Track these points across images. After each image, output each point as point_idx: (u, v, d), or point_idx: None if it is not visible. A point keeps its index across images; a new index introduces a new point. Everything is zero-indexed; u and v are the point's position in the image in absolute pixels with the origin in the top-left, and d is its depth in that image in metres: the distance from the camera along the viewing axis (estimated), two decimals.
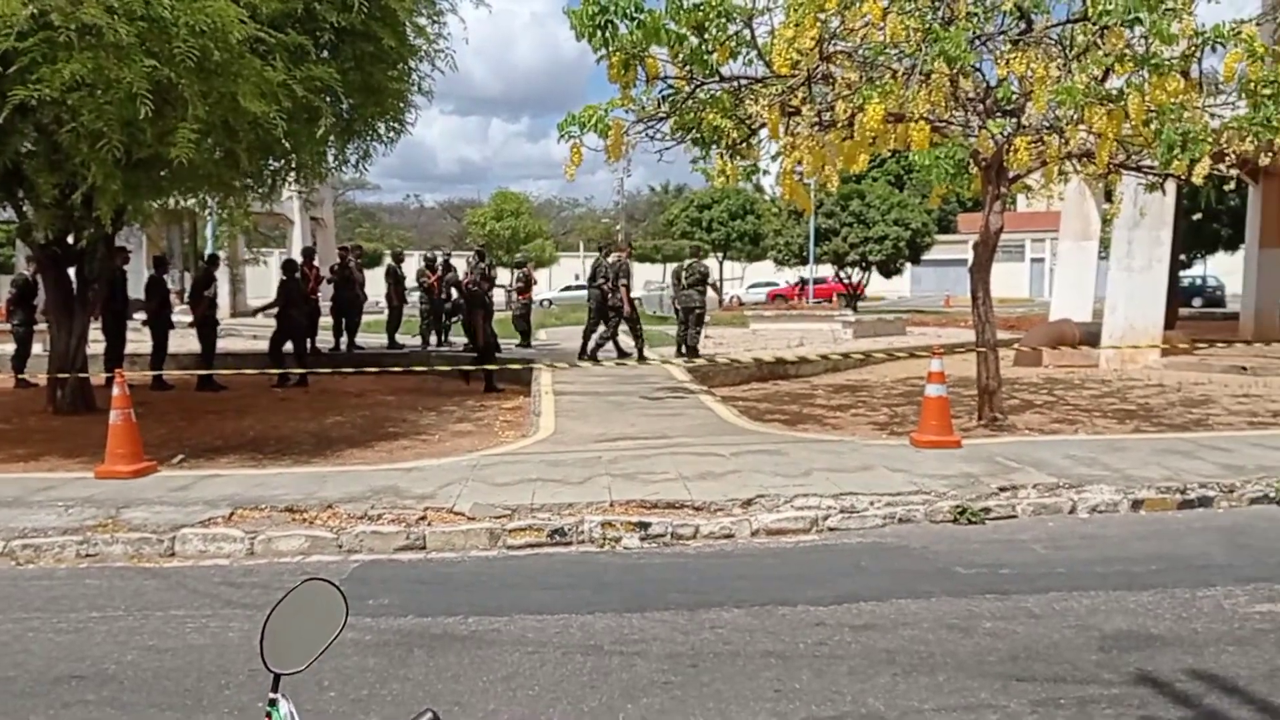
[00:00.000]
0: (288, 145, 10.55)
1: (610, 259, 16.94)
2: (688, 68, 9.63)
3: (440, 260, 19.83)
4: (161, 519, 6.78)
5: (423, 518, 6.77)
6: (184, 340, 15.83)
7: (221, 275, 26.09)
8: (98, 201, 9.40)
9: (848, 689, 4.25)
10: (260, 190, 12.25)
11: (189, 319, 15.27)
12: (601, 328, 16.58)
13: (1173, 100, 8.68)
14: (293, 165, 11.83)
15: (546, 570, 6.13)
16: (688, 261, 18.09)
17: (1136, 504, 7.42)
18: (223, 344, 17.49)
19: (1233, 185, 10.85)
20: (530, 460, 8.55)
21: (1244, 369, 16.28)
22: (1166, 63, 8.54)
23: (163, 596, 5.73)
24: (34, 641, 4.96)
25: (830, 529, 6.96)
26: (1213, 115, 9.48)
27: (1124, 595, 5.44)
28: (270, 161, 11.30)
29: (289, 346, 15.19)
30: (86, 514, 6.90)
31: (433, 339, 19.24)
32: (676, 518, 6.87)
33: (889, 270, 39.76)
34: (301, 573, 6.06)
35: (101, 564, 6.40)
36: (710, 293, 17.43)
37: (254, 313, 16.40)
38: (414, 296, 21.00)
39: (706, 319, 18.33)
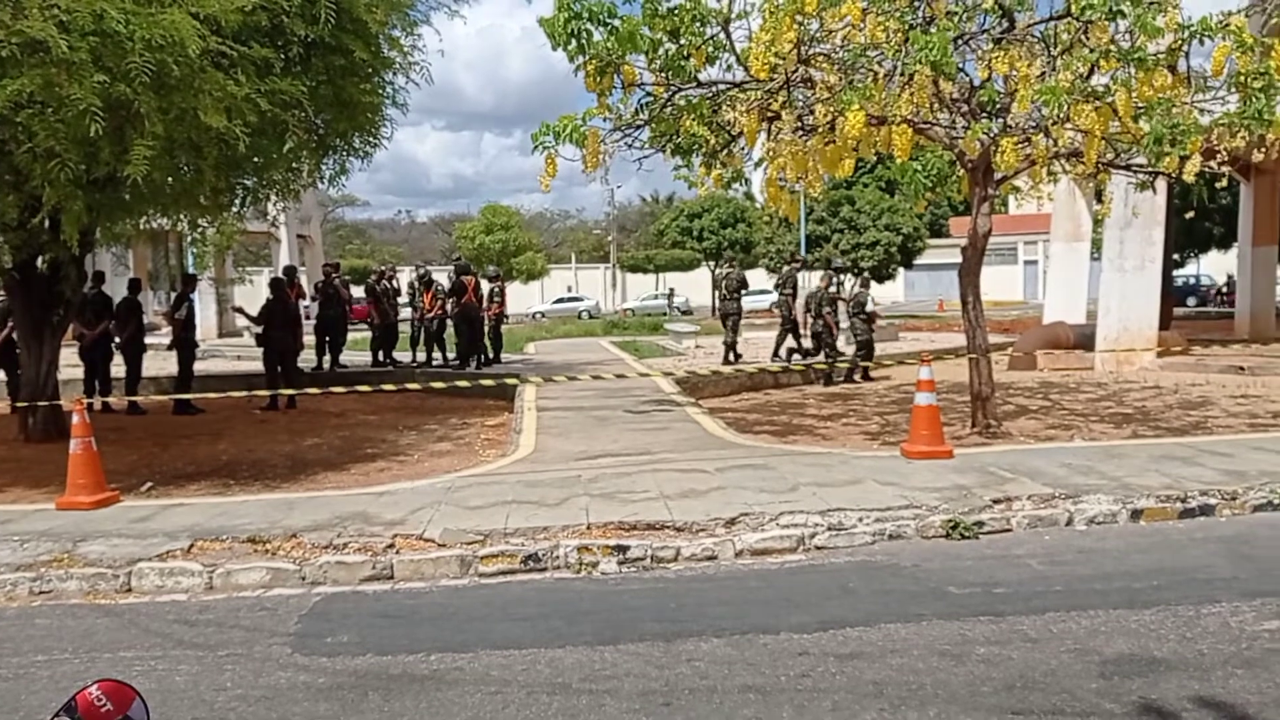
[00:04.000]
0: (256, 161, 10.37)
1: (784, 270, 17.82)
2: (665, 74, 9.40)
3: (421, 276, 19.60)
4: (119, 553, 6.50)
5: (391, 545, 6.48)
6: (165, 363, 15.54)
7: (205, 295, 25.90)
8: (62, 223, 9.16)
9: None
10: (232, 208, 11.99)
11: (168, 341, 14.97)
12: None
13: (1160, 96, 8.45)
14: (264, 182, 11.57)
15: (518, 600, 5.83)
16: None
17: (1136, 514, 7.14)
18: (203, 365, 17.23)
19: (1224, 183, 10.60)
20: (507, 481, 8.26)
21: (1241, 369, 16.04)
22: (1152, 57, 8.31)
23: (113, 636, 5.44)
24: None
25: (818, 548, 6.67)
26: (1202, 111, 9.24)
27: (1125, 614, 5.16)
28: (240, 178, 11.04)
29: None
30: (42, 549, 6.61)
31: (422, 355, 19.01)
32: (657, 540, 6.58)
33: (881, 276, 39.48)
34: (260, 608, 5.79)
35: (55, 601, 6.11)
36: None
37: (245, 315, 16.11)
38: (405, 312, 20.72)
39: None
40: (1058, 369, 17.66)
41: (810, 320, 17.11)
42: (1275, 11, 9.09)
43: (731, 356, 18.12)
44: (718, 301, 19.47)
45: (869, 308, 16.90)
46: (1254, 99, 8.64)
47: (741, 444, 10.01)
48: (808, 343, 17.59)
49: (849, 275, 20.71)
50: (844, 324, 17.32)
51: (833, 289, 17.34)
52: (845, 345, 17.56)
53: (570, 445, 9.98)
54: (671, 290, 58.36)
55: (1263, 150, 9.27)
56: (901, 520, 6.92)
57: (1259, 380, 15.09)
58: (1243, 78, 8.72)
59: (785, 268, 20.04)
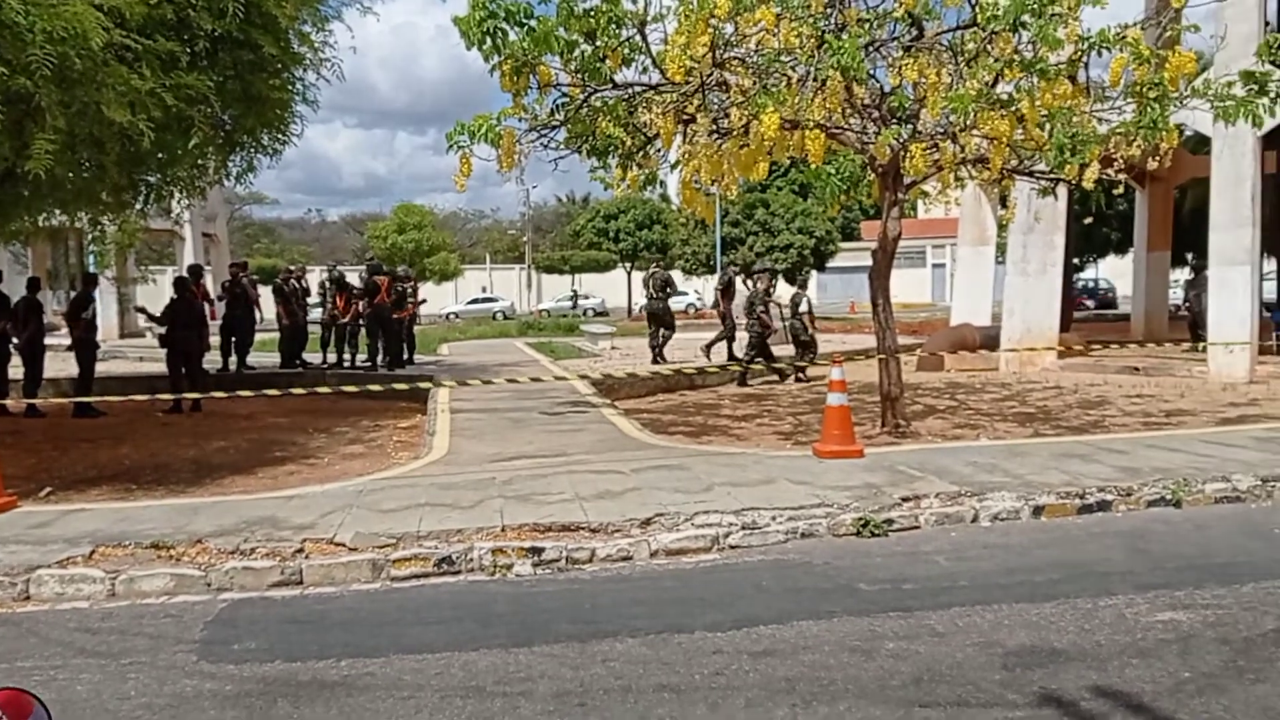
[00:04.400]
0: (160, 157, 10.11)
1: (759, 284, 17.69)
2: (581, 75, 9.40)
3: (332, 276, 19.29)
4: (17, 560, 6.26)
5: (300, 550, 6.36)
6: (64, 364, 15.03)
7: (107, 295, 25.12)
8: None
9: None
10: (135, 205, 11.66)
11: (68, 342, 14.47)
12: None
13: (1062, 105, 8.72)
14: (169, 178, 11.27)
15: (431, 603, 5.77)
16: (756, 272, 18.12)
17: (1037, 510, 7.36)
18: (105, 367, 16.72)
19: (1121, 190, 10.99)
20: (420, 484, 8.17)
21: (1137, 369, 16.63)
22: (1054, 67, 8.57)
23: (11, 646, 5.24)
24: None
25: (732, 547, 6.74)
26: (1100, 120, 9.56)
27: (1027, 608, 5.31)
28: (144, 175, 10.74)
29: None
30: None
31: (333, 357, 18.73)
32: (572, 541, 6.57)
33: (794, 278, 40.03)
34: (164, 615, 5.65)
35: None
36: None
37: (148, 317, 15.63)
38: (316, 312, 20.35)
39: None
40: (964, 370, 18.10)
41: (747, 320, 17.31)
42: (1169, 25, 9.43)
43: (659, 356, 18.41)
44: (645, 301, 19.70)
45: (802, 308, 17.10)
46: (1149, 108, 8.96)
47: (657, 445, 10.05)
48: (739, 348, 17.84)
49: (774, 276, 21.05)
50: (776, 324, 17.50)
51: (769, 289, 17.50)
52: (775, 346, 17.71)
53: (485, 447, 9.91)
54: (575, 292, 58.43)
55: (1157, 158, 9.61)
56: (814, 519, 7.02)
57: (1153, 380, 15.67)
58: (1139, 88, 9.04)
59: (728, 270, 20.40)
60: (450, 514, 7.05)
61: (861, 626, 5.11)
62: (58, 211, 11.49)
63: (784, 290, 19.71)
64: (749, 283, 18.02)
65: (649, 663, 4.69)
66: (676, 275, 52.16)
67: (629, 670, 4.60)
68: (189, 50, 9.09)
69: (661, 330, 18.60)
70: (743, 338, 17.83)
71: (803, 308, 17.09)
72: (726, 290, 18.71)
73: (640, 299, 56.11)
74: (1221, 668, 4.45)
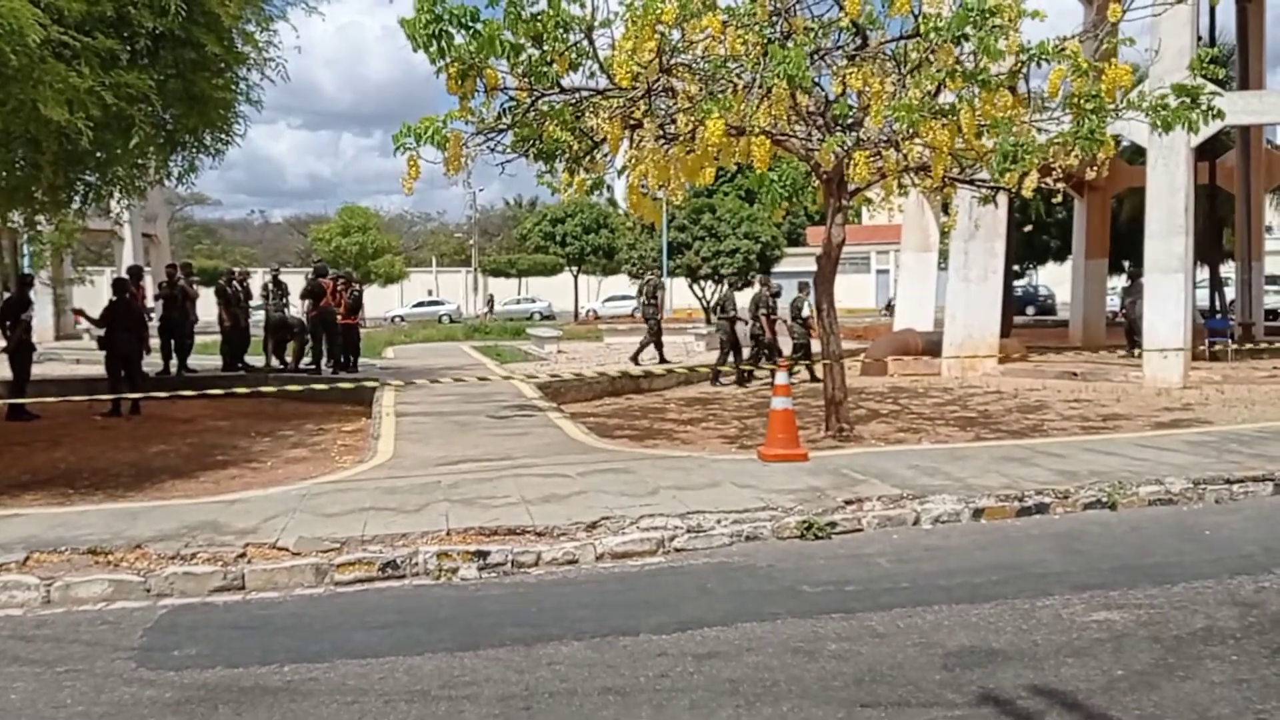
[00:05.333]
0: (99, 156, 9.92)
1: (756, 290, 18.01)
2: (528, 79, 9.40)
3: (276, 279, 19.06)
4: None
5: (242, 555, 6.29)
6: None
7: (42, 296, 24.57)
8: None
9: None
10: (72, 205, 11.44)
11: (1, 344, 14.13)
12: (731, 356, 17.66)
13: (1002, 115, 8.89)
14: (108, 178, 11.07)
15: (376, 608, 5.74)
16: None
17: (977, 513, 7.49)
18: (41, 369, 16.36)
19: (1060, 198, 11.23)
20: (365, 488, 8.11)
21: (1074, 375, 16.97)
22: (995, 78, 8.74)
23: None
24: None
25: (677, 550, 6.78)
26: (1040, 130, 9.76)
27: (966, 609, 5.41)
28: (81, 174, 10.54)
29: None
30: None
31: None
32: (517, 544, 6.57)
33: (740, 283, 40.22)
34: (102, 622, 5.56)
35: None
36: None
37: (87, 319, 15.27)
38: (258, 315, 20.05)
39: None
40: (907, 374, 18.34)
41: (750, 323, 17.51)
42: (1106, 38, 9.66)
43: (654, 355, 19.19)
44: (641, 307, 21.04)
45: (805, 313, 17.19)
46: (1086, 119, 9.17)
47: (603, 448, 10.07)
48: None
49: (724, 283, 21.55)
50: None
51: (769, 294, 17.56)
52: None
53: (430, 451, 9.86)
54: (491, 296, 58.34)
55: (1095, 168, 9.85)
56: (758, 522, 7.08)
57: (1090, 385, 16.00)
58: (1077, 99, 9.25)
59: (648, 277, 20.93)
60: (395, 518, 7.01)
61: (805, 628, 5.17)
62: None
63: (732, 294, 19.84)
64: (718, 286, 18.32)
65: (594, 665, 4.71)
66: (621, 281, 52.39)
67: (574, 673, 4.61)
68: (129, 48, 8.95)
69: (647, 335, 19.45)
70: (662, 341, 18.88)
71: (805, 311, 17.17)
72: (653, 296, 19.66)
73: (586, 303, 56.32)
74: (1153, 665, 4.57)
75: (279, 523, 6.90)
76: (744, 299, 19.17)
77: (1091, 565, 6.29)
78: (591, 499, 7.52)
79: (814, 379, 16.86)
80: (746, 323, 17.67)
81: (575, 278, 54.51)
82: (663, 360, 19.08)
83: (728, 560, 6.58)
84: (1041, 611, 5.37)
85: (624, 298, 56.90)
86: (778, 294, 17.89)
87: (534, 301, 60.23)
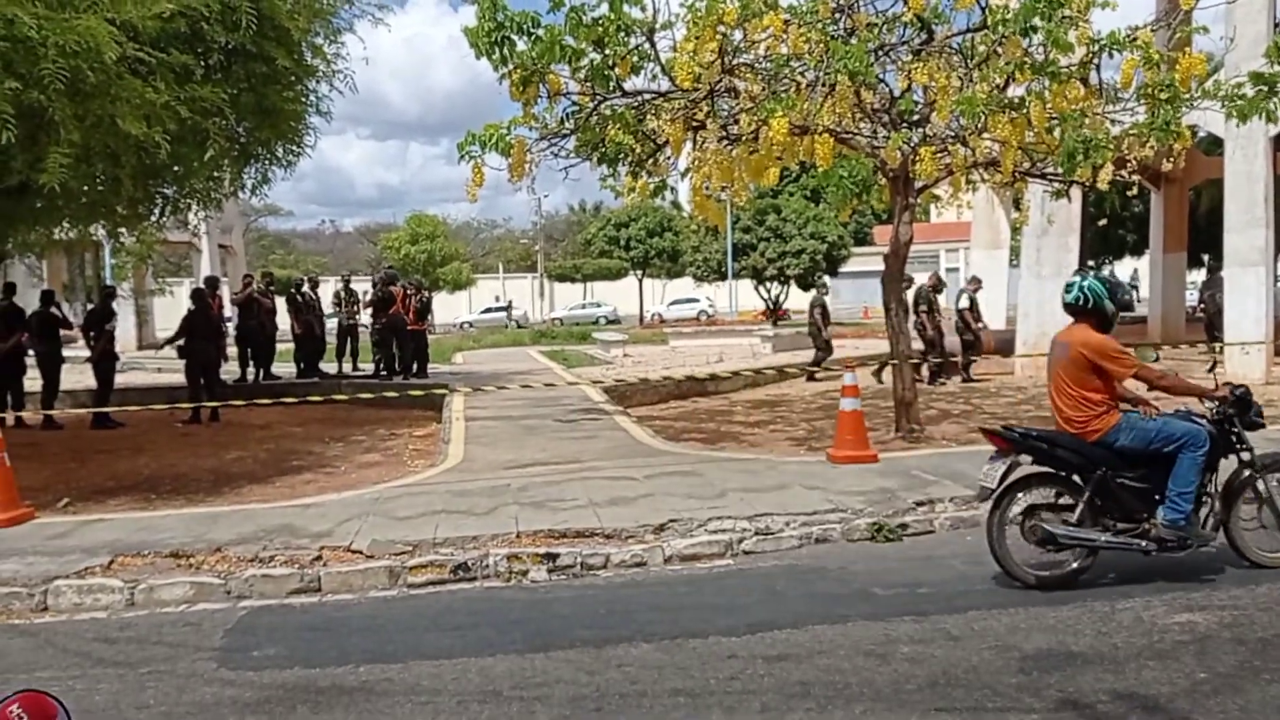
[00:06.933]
0: (176, 170, 10.19)
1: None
2: (590, 83, 9.43)
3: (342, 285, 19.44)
4: (34, 571, 6.32)
5: (318, 558, 6.41)
6: (82, 375, 15.13)
7: (125, 307, 25.28)
8: None
9: None
10: (151, 217, 11.76)
11: (86, 354, 14.56)
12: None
13: (1073, 107, 8.72)
14: (185, 191, 11.36)
15: (447, 609, 5.81)
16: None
17: None
18: (124, 378, 16.82)
19: (1136, 191, 10.97)
20: (436, 491, 8.21)
21: None
22: (1065, 70, 8.57)
23: (29, 657, 5.29)
24: None
25: (746, 552, 6.75)
26: (1113, 121, 9.55)
27: (1044, 611, 5.30)
28: (159, 187, 10.83)
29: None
30: None
31: (348, 366, 18.85)
32: (586, 547, 6.60)
33: (807, 284, 39.87)
34: (184, 624, 5.69)
35: None
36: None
37: (159, 346, 15.65)
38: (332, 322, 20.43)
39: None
40: (979, 373, 18.03)
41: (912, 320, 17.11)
42: (1179, 27, 9.43)
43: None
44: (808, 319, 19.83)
45: (962, 304, 16.94)
46: (1161, 110, 8.95)
47: (670, 451, 10.07)
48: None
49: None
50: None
51: (930, 289, 17.25)
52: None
53: (499, 454, 9.95)
54: (510, 301, 58.54)
55: (1171, 159, 9.61)
56: (828, 524, 7.03)
57: None
58: (1150, 90, 9.04)
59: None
60: (466, 521, 7.09)
61: (877, 631, 5.12)
62: (74, 224, 11.57)
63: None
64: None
65: (664, 668, 4.70)
66: (686, 283, 52.29)
67: (644, 675, 4.61)
68: (203, 63, 9.19)
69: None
70: None
71: (962, 303, 16.90)
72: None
73: (651, 307, 56.31)
74: (1237, 668, 4.44)
75: (353, 526, 7.01)
76: (804, 299, 18.75)
77: (1173, 566, 6.12)
78: (659, 501, 7.52)
79: (967, 378, 16.67)
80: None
81: (640, 282, 54.60)
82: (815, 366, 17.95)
83: (797, 563, 6.54)
84: (1122, 614, 5.24)
85: (689, 301, 56.87)
86: (939, 289, 17.57)
87: (599, 306, 60.42)
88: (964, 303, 17.10)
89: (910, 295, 17.56)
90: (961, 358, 17.03)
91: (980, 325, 17.75)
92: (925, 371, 16.52)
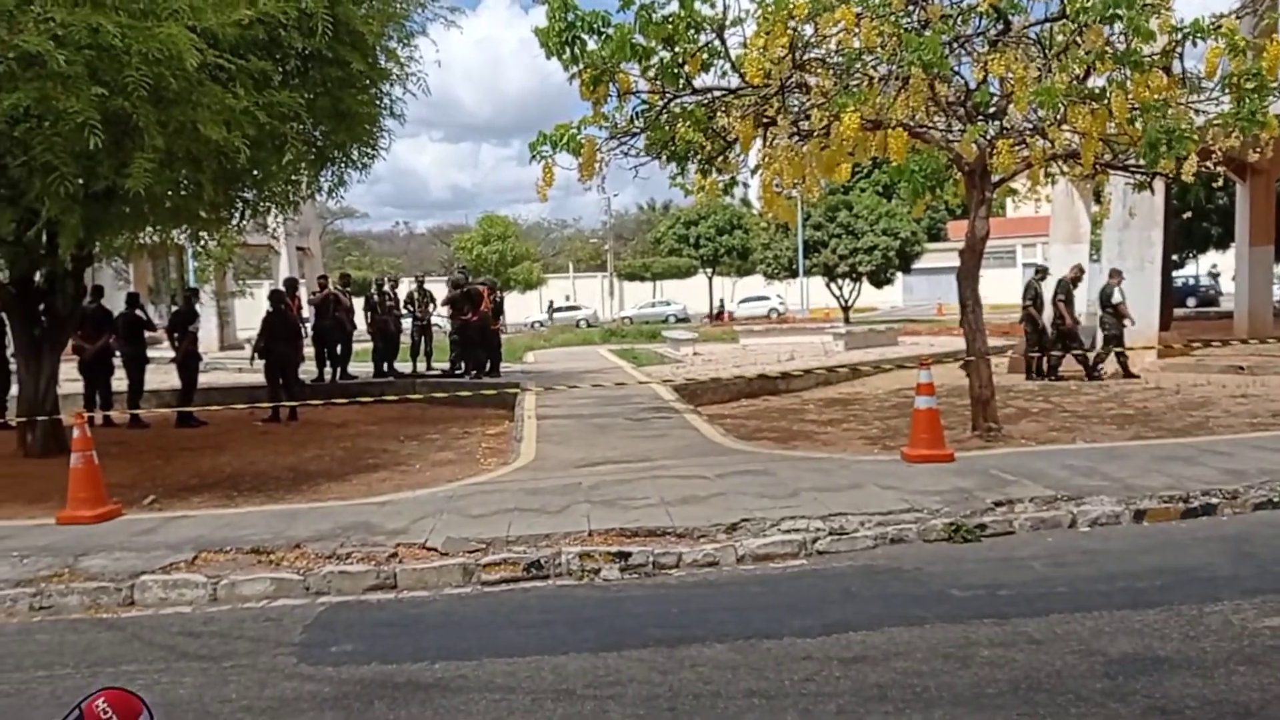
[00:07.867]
0: (255, 174, 10.39)
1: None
2: (659, 81, 9.43)
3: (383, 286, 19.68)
4: (121, 566, 6.49)
5: (394, 555, 6.49)
6: (167, 376, 15.53)
7: (207, 309, 25.91)
8: (59, 237, 9.18)
9: None
10: (233, 221, 12.01)
11: (170, 355, 14.95)
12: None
13: (1156, 97, 8.48)
14: (264, 194, 11.59)
15: (521, 607, 5.83)
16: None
17: (1139, 515, 7.14)
18: (206, 378, 17.22)
19: (1221, 183, 10.63)
20: (509, 489, 8.26)
21: (1241, 368, 16.04)
22: (1147, 59, 8.34)
23: (116, 650, 5.43)
24: None
25: (819, 552, 6.67)
26: (1197, 111, 9.27)
27: (1129, 615, 5.16)
28: (239, 191, 11.06)
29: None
30: (42, 564, 6.60)
31: (422, 365, 19.09)
32: (658, 546, 6.58)
33: (880, 280, 39.50)
34: (264, 619, 5.79)
35: (56, 617, 6.10)
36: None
37: (251, 356, 16.00)
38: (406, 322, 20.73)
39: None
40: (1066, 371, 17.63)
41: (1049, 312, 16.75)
42: (1266, 13, 9.12)
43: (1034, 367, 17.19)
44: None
45: (1115, 299, 16.39)
46: (1247, 100, 8.66)
47: (741, 450, 10.01)
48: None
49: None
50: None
51: (1069, 280, 16.86)
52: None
53: (570, 453, 9.99)
54: (551, 302, 58.64)
55: (1258, 150, 9.29)
56: (903, 524, 6.92)
57: (1258, 379, 15.09)
58: (1235, 79, 8.75)
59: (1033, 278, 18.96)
60: (538, 519, 7.12)
61: (955, 633, 5.02)
62: (157, 228, 11.87)
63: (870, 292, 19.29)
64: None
65: (738, 668, 4.67)
66: (757, 281, 52.04)
67: (717, 676, 4.58)
68: (280, 69, 9.36)
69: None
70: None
71: (1116, 298, 16.43)
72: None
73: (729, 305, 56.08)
74: None
75: (427, 524, 7.08)
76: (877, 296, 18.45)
77: (1263, 569, 5.93)
78: (730, 500, 7.48)
79: (1126, 374, 16.05)
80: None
81: (710, 280, 54.48)
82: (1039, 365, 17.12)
83: (872, 563, 6.45)
84: (1210, 618, 5.07)
85: (759, 298, 56.59)
86: (1078, 280, 17.17)
87: (668, 304, 60.43)
88: (1118, 297, 16.53)
89: (1047, 287, 17.25)
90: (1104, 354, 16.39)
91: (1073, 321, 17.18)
92: (1045, 365, 16.23)
